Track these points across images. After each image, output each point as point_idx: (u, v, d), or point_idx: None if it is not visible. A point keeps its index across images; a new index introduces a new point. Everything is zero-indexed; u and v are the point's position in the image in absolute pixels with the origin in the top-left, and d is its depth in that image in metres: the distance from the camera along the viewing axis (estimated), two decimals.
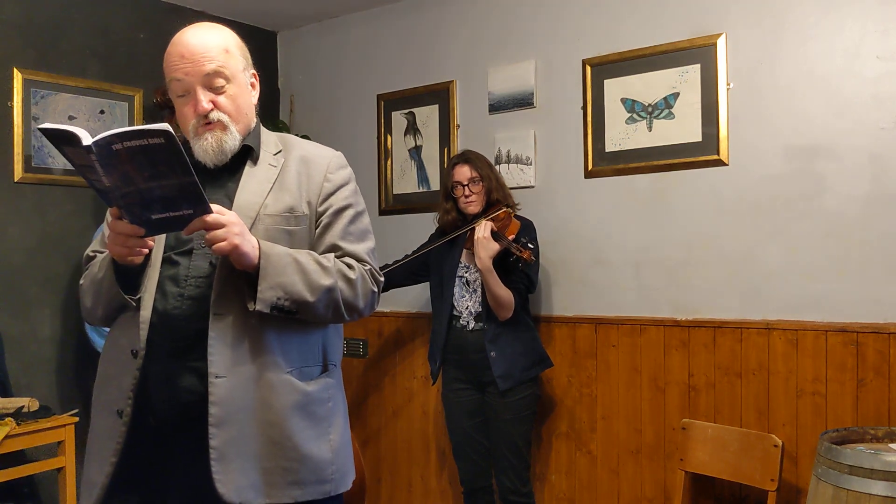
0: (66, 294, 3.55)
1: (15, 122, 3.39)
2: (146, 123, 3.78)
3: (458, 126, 3.83)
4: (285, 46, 4.52)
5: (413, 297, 3.87)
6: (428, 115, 3.93)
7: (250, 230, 1.62)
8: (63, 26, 3.59)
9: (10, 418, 2.84)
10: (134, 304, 1.64)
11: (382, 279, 1.79)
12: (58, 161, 3.53)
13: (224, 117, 1.67)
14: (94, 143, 1.36)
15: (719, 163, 3.10)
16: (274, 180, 1.72)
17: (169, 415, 1.62)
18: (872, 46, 2.81)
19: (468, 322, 3.18)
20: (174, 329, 1.62)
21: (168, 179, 1.41)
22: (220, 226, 1.52)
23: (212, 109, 1.66)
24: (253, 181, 1.71)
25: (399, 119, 4.04)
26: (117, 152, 1.37)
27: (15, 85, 3.40)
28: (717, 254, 3.11)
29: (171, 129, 1.35)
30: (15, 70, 3.40)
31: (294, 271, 1.61)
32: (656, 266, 3.25)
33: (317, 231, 1.74)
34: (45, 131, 1.39)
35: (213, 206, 1.51)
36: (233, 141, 1.69)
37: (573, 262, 3.45)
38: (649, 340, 3.25)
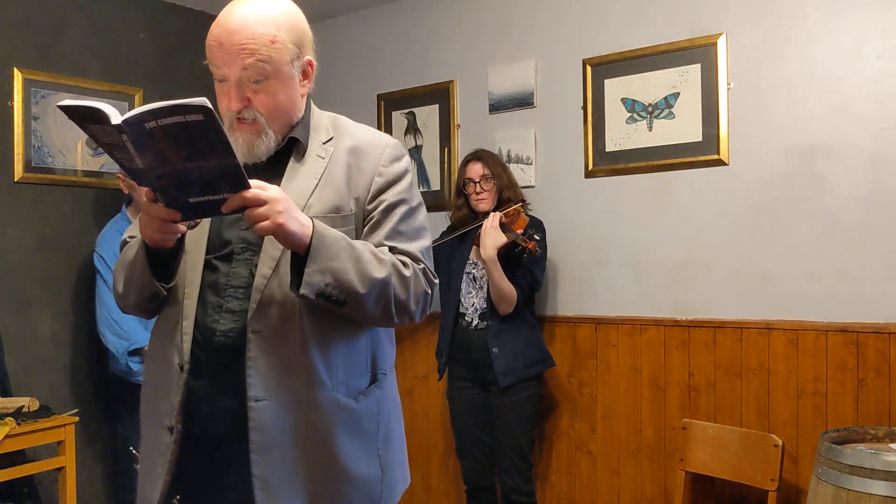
0: (66, 294, 3.55)
1: (15, 122, 3.39)
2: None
3: (459, 126, 3.83)
4: None
5: None
6: (428, 115, 3.93)
7: None
8: (63, 26, 3.58)
9: (10, 418, 2.84)
10: (164, 292, 1.55)
11: (437, 280, 1.64)
12: (57, 161, 3.53)
13: (259, 117, 1.52)
14: (124, 121, 1.25)
15: (719, 163, 3.09)
16: (321, 175, 1.57)
17: (215, 432, 1.54)
18: (872, 46, 2.81)
19: (473, 319, 3.19)
20: (213, 345, 1.52)
21: (207, 160, 1.29)
22: (260, 203, 1.36)
23: (245, 106, 1.51)
24: (297, 178, 1.56)
25: (399, 119, 4.04)
26: (151, 131, 1.25)
27: (15, 85, 3.39)
28: (717, 254, 3.11)
29: (209, 105, 1.23)
30: (15, 70, 3.40)
31: (348, 258, 1.46)
32: (656, 266, 3.25)
33: (365, 228, 1.59)
34: (65, 109, 1.27)
35: (253, 182, 1.37)
36: (267, 143, 1.54)
37: (573, 261, 3.45)
38: (649, 340, 3.25)
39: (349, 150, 1.61)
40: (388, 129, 4.07)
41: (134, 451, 2.91)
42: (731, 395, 3.06)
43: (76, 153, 3.60)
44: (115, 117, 1.26)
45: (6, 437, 2.76)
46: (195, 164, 1.30)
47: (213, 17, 1.58)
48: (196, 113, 1.23)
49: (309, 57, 1.60)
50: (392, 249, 1.56)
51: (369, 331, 1.62)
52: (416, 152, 3.98)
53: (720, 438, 2.96)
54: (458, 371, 3.27)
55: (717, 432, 2.98)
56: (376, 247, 1.55)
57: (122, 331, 3.18)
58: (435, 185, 3.90)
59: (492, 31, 3.72)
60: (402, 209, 1.60)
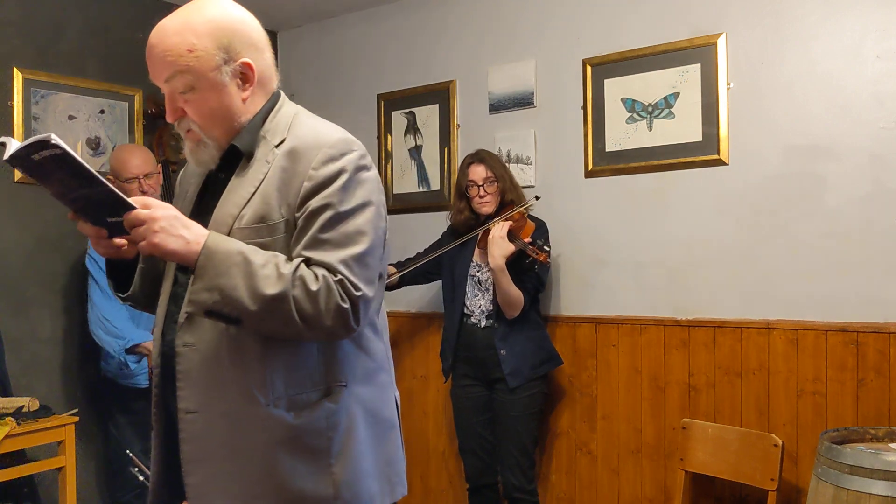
0: (66, 294, 3.55)
1: (15, 122, 3.39)
2: (145, 126, 3.83)
3: (459, 126, 3.83)
4: (285, 46, 4.52)
5: (413, 298, 3.87)
6: (428, 115, 3.93)
7: None
8: (63, 26, 3.58)
9: (10, 418, 2.83)
10: (121, 300, 1.64)
11: (362, 293, 1.46)
12: None
13: (194, 126, 1.52)
14: (11, 156, 1.31)
15: (719, 163, 3.09)
16: (259, 183, 1.51)
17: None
18: (872, 46, 2.81)
19: (480, 320, 3.19)
20: (168, 355, 1.56)
21: (91, 187, 1.36)
22: (138, 223, 1.39)
23: (180, 117, 1.53)
24: (239, 187, 1.53)
25: (399, 119, 4.03)
26: (40, 162, 1.31)
27: (15, 85, 3.39)
28: (717, 254, 3.11)
29: (52, 139, 1.28)
30: (15, 70, 3.40)
31: (239, 273, 1.40)
32: (656, 266, 3.25)
33: (293, 237, 1.50)
34: None
35: (139, 201, 1.41)
36: (207, 151, 1.55)
37: (573, 261, 3.45)
38: (649, 340, 3.25)
39: (287, 152, 1.52)
40: (388, 129, 4.07)
41: (130, 455, 2.91)
42: (731, 394, 3.06)
43: (76, 153, 3.60)
44: (7, 153, 1.32)
45: (6, 437, 2.76)
46: (89, 190, 1.36)
47: None
48: (54, 148, 1.28)
49: (246, 59, 1.52)
50: (308, 260, 1.45)
51: (319, 342, 1.54)
52: (416, 152, 3.98)
53: (720, 438, 2.96)
54: (463, 369, 3.27)
55: (717, 432, 2.98)
56: (294, 257, 1.47)
57: (115, 329, 3.18)
58: (435, 185, 3.90)
59: (492, 31, 3.72)
60: (325, 215, 1.46)
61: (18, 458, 2.97)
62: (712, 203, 3.12)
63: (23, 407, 2.94)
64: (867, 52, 2.82)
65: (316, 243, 1.46)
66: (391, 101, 4.06)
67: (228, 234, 1.49)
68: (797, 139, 2.94)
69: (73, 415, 3.08)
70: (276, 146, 1.54)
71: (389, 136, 4.07)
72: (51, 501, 3.32)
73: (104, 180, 1.36)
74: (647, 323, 3.26)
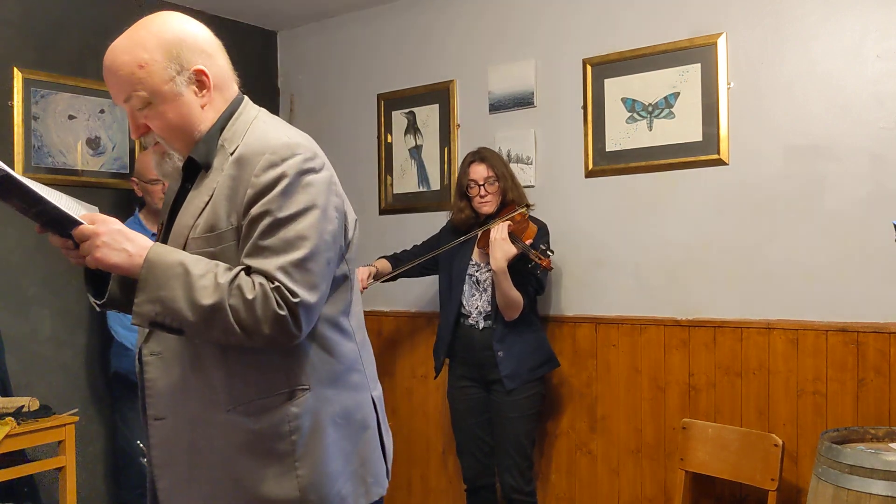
0: (67, 294, 3.54)
1: (15, 122, 3.39)
2: None
3: (459, 125, 3.83)
4: (285, 46, 4.52)
5: (413, 297, 3.87)
6: (428, 115, 3.93)
7: None
8: (63, 26, 3.59)
9: (10, 418, 2.84)
10: (97, 307, 1.65)
11: (300, 300, 1.44)
12: (57, 161, 3.53)
13: (159, 139, 1.57)
14: None
15: (719, 162, 3.10)
16: (212, 193, 1.53)
17: None
18: (872, 46, 2.81)
19: (478, 321, 3.18)
20: (142, 363, 1.61)
21: (40, 206, 1.41)
22: (84, 238, 1.44)
23: (144, 132, 1.56)
24: (196, 198, 1.56)
25: (399, 119, 4.03)
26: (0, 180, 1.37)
27: (15, 84, 3.39)
28: (717, 254, 3.11)
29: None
30: (15, 69, 3.40)
31: (179, 285, 1.42)
32: (656, 266, 3.25)
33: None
34: None
35: (86, 216, 1.46)
36: (170, 163, 1.59)
37: (573, 261, 3.45)
38: (649, 340, 3.25)
39: (235, 160, 1.52)
40: (389, 129, 4.07)
41: (141, 445, 2.91)
42: (731, 394, 3.06)
43: (76, 153, 3.60)
44: None
45: (6, 437, 2.76)
46: (43, 208, 1.41)
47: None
48: None
49: (199, 67, 1.53)
50: (248, 268, 1.46)
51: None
52: (416, 152, 3.98)
53: (720, 438, 2.96)
54: (460, 370, 3.26)
55: (717, 432, 2.98)
56: (238, 265, 1.48)
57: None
58: (435, 185, 3.90)
59: (492, 30, 3.72)
60: (264, 222, 1.46)
61: (18, 458, 2.97)
62: (712, 203, 3.12)
63: (23, 407, 2.94)
64: (867, 52, 2.82)
65: (256, 251, 1.46)
66: (391, 101, 4.06)
67: (185, 244, 1.51)
68: (797, 139, 2.94)
69: (73, 415, 3.08)
70: (231, 153, 1.54)
71: (389, 136, 4.07)
72: (51, 501, 3.32)
73: (49, 199, 1.41)
74: (647, 323, 3.26)
